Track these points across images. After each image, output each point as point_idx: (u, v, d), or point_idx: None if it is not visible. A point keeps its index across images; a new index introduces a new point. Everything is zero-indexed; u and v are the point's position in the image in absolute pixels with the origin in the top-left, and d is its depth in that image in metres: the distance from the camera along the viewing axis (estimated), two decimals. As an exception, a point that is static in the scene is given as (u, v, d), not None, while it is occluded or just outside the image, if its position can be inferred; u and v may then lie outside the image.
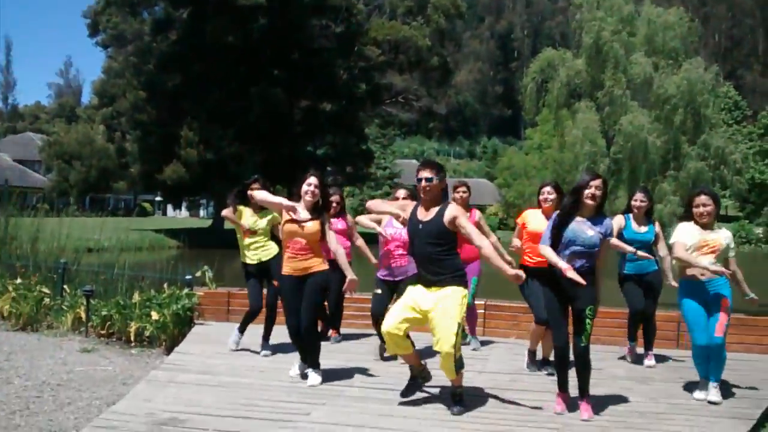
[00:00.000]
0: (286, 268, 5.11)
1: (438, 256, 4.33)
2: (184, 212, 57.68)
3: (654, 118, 35.45)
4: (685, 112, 34.97)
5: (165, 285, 7.47)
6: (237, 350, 6.05)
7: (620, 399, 4.75)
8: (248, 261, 6.09)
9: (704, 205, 4.75)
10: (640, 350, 6.00)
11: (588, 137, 35.50)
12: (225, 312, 7.33)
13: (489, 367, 5.62)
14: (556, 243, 4.37)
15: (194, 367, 5.49)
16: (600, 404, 4.54)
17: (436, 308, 4.30)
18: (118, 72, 36.52)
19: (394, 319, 4.41)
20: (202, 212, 59.25)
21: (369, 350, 6.00)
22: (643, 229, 5.77)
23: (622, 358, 6.03)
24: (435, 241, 4.32)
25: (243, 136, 31.08)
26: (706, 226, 4.76)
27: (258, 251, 6.06)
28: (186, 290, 7.16)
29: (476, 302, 6.40)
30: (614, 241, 5.28)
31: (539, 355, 5.53)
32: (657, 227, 5.85)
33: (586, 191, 4.32)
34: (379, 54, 36.20)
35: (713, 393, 4.70)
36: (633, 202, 5.87)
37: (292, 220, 5.02)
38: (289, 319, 5.11)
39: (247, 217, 6.07)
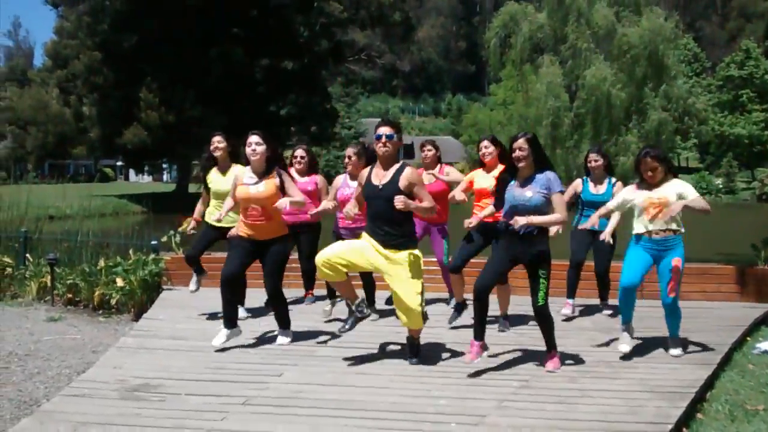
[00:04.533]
0: (243, 232, 4.97)
1: (397, 218, 4.29)
2: (147, 177, 56.63)
3: (617, 69, 35.55)
4: (647, 63, 35.09)
5: (131, 251, 7.37)
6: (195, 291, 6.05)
7: (588, 350, 4.87)
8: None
9: (651, 170, 4.64)
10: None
11: (552, 92, 35.49)
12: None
13: (459, 322, 5.68)
14: (500, 204, 4.45)
15: (164, 332, 5.46)
16: (568, 355, 4.64)
17: (394, 273, 4.30)
18: (70, 32, 35.21)
19: (335, 253, 4.34)
20: (165, 176, 58.20)
21: (338, 311, 5.98)
22: (601, 189, 5.77)
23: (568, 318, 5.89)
24: (393, 204, 4.23)
25: (205, 97, 30.46)
26: (654, 186, 4.69)
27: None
28: (152, 256, 7.08)
29: None
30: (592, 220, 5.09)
31: (497, 312, 5.44)
32: (616, 187, 5.74)
33: (513, 155, 4.34)
34: (341, 10, 35.61)
35: (673, 347, 4.79)
36: (588, 164, 5.90)
37: (244, 184, 4.90)
38: (228, 266, 4.90)
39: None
